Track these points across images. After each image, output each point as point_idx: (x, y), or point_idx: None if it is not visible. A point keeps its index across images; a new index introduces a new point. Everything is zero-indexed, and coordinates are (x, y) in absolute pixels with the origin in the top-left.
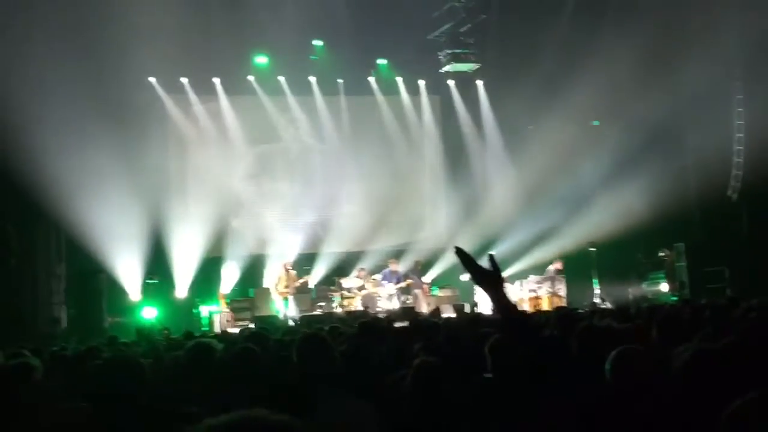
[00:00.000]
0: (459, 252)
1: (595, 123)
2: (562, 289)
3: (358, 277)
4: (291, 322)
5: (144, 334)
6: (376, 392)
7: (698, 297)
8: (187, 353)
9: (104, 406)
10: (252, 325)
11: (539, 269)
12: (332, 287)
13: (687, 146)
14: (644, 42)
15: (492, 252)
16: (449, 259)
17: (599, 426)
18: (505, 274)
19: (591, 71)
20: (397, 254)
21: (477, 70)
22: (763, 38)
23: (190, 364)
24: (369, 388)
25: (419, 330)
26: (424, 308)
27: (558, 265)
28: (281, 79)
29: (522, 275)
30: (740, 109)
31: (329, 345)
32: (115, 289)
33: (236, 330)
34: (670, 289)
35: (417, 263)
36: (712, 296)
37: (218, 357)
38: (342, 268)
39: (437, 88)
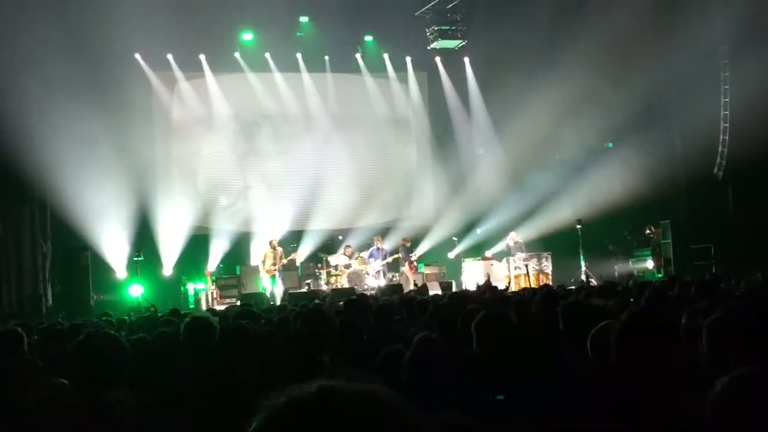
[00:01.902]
0: None
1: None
2: (548, 267)
3: (344, 254)
4: (278, 300)
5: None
6: (368, 366)
7: (683, 274)
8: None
9: (85, 384)
10: (237, 303)
11: (526, 246)
12: (319, 264)
13: (673, 125)
14: (633, 20)
15: None
16: (436, 236)
17: (584, 401)
18: (492, 251)
19: (578, 49)
20: (384, 232)
21: (464, 46)
22: (748, 16)
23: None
24: (360, 363)
25: (407, 307)
26: (411, 285)
27: (515, 238)
28: (267, 55)
29: (509, 253)
30: (726, 87)
31: (331, 319)
32: (101, 267)
33: (223, 308)
34: (655, 266)
35: (405, 240)
36: (698, 273)
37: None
38: (329, 245)
39: (424, 65)
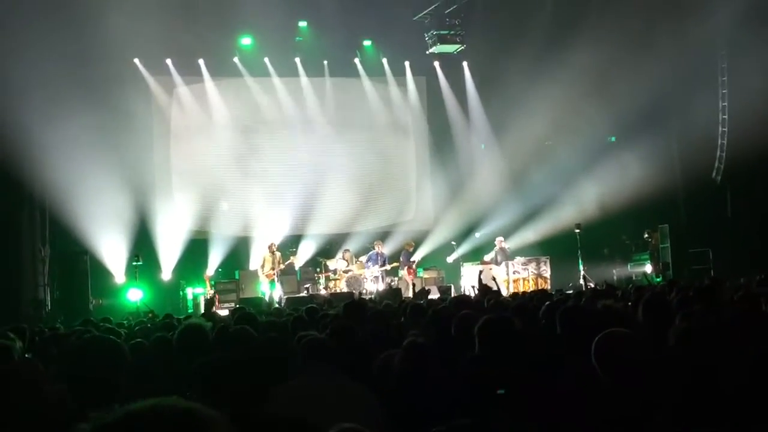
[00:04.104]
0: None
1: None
2: (547, 271)
3: (343, 258)
4: (276, 304)
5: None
6: (363, 371)
7: (682, 278)
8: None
9: (81, 389)
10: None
11: (525, 251)
12: (318, 269)
13: (672, 129)
14: (630, 24)
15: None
16: (435, 240)
17: (586, 407)
18: (490, 255)
19: (576, 53)
20: (383, 236)
21: (462, 51)
22: (746, 20)
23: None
24: (355, 368)
25: (405, 311)
26: (410, 290)
27: (502, 243)
28: (266, 60)
29: (508, 257)
30: (724, 91)
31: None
32: (100, 271)
33: (221, 312)
34: (654, 271)
35: (408, 245)
36: (696, 277)
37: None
38: (327, 250)
39: (423, 70)
